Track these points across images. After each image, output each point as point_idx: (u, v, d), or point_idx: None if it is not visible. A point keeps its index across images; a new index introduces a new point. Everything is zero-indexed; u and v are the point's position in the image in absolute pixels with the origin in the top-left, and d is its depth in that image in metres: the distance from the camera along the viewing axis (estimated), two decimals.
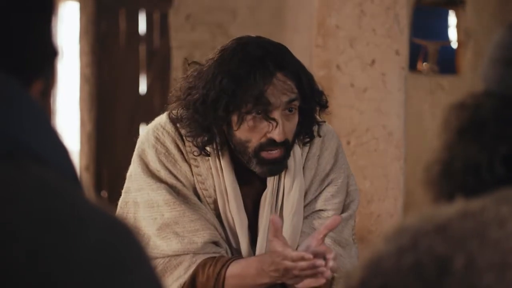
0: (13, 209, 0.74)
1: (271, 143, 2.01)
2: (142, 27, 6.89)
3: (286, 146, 2.04)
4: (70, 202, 0.78)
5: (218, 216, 2.12)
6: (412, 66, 6.06)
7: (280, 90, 1.99)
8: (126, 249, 0.78)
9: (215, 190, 2.11)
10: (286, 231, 2.11)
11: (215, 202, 2.12)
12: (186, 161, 2.10)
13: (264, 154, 2.02)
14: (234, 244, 2.13)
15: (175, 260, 2.08)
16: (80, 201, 0.79)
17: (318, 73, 3.63)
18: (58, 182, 0.79)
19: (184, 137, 2.10)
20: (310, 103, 2.06)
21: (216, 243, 2.10)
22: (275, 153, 2.02)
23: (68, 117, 6.60)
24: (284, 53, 2.04)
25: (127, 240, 0.79)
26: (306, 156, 2.18)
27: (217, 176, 2.10)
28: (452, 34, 6.71)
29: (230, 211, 2.10)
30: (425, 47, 6.48)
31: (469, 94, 0.95)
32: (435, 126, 6.44)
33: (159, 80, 6.75)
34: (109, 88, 6.77)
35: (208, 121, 2.02)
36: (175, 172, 2.09)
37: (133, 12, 6.90)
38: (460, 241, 0.79)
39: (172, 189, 2.08)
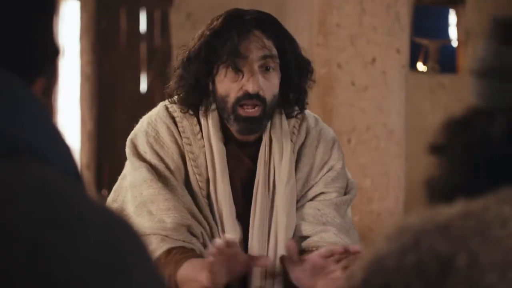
0: (13, 208, 0.74)
1: (246, 96, 2.08)
2: (142, 25, 6.89)
3: (263, 105, 2.09)
4: (71, 202, 0.78)
5: (208, 196, 2.16)
6: (413, 64, 6.06)
7: (255, 45, 2.08)
8: (126, 249, 0.78)
9: (206, 168, 2.15)
10: (281, 201, 2.15)
11: (206, 180, 2.16)
12: (176, 143, 2.16)
13: (241, 111, 2.09)
14: (219, 225, 2.14)
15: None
16: (80, 200, 0.79)
17: (319, 72, 3.63)
18: (58, 181, 0.79)
19: (176, 119, 2.18)
20: (291, 65, 2.13)
21: (189, 228, 2.10)
22: (251, 112, 2.09)
23: (69, 115, 6.60)
24: (268, 17, 2.15)
25: (127, 240, 0.79)
26: (303, 144, 2.23)
27: (208, 148, 2.15)
28: (453, 32, 6.71)
29: (216, 185, 2.14)
30: (426, 46, 6.48)
31: (459, 111, 0.96)
32: (435, 125, 6.42)
33: (160, 79, 6.75)
34: (110, 86, 6.77)
35: (192, 75, 2.12)
36: (161, 154, 2.15)
37: (134, 11, 6.90)
38: (462, 240, 0.79)
39: (153, 169, 2.14)
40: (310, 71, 2.18)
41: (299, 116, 2.25)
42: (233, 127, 2.13)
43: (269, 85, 2.10)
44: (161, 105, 2.24)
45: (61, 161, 0.82)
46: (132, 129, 2.25)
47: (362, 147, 3.65)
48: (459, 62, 6.52)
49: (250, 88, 2.06)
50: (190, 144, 2.17)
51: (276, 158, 2.18)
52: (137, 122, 2.27)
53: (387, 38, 3.71)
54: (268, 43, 2.09)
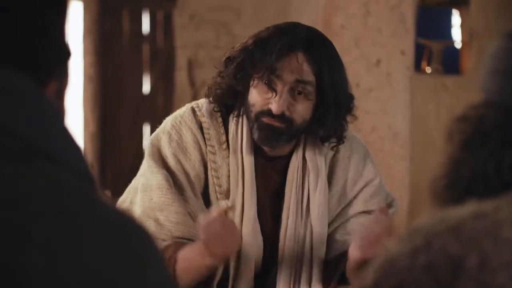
0: (27, 208, 0.75)
1: (269, 113, 2.03)
2: (145, 26, 6.89)
3: (287, 123, 2.03)
4: (84, 203, 0.78)
5: None
6: (417, 66, 6.06)
7: (291, 67, 2.02)
8: (139, 249, 0.79)
9: (228, 179, 2.11)
10: (315, 234, 2.13)
11: (225, 191, 2.11)
12: (200, 150, 2.11)
13: (265, 119, 2.04)
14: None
15: None
16: (93, 202, 0.79)
17: None
18: (71, 183, 0.79)
19: (203, 125, 2.12)
20: (329, 98, 2.05)
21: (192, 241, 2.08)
22: (274, 121, 2.03)
23: (72, 117, 6.60)
24: (320, 40, 2.07)
25: (140, 241, 0.80)
26: (335, 157, 2.18)
27: (238, 159, 2.11)
28: (456, 34, 6.71)
29: (243, 196, 2.10)
30: (429, 47, 6.47)
31: (470, 107, 0.96)
32: (439, 126, 6.45)
33: (163, 80, 6.75)
34: (113, 88, 6.77)
35: (230, 77, 2.07)
36: (183, 160, 2.10)
37: (137, 12, 6.90)
38: (473, 241, 0.79)
39: (171, 176, 2.09)
40: (350, 108, 2.10)
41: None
42: (255, 135, 2.07)
43: (298, 109, 2.04)
44: (187, 107, 2.17)
45: (74, 163, 0.82)
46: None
47: None
48: (462, 63, 6.52)
49: (274, 108, 2.01)
50: (214, 153, 2.11)
51: (312, 183, 2.14)
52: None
53: (392, 40, 3.71)
54: (307, 68, 2.02)
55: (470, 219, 0.82)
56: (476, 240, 0.79)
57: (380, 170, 2.31)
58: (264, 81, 2.03)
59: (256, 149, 2.12)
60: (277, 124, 2.03)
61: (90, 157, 6.62)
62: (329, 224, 2.17)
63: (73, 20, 6.64)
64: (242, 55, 2.05)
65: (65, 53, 0.88)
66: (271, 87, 2.02)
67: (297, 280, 2.12)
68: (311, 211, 2.13)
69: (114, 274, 0.75)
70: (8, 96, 0.79)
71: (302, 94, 2.03)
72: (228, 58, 2.08)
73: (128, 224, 0.80)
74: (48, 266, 0.72)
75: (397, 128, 3.77)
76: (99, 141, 6.71)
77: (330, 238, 2.17)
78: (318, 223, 2.13)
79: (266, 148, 2.11)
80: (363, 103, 3.70)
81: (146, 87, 6.79)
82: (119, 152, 6.61)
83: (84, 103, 6.65)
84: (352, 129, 2.30)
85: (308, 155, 2.14)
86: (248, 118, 2.09)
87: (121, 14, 6.87)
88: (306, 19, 4.18)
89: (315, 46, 2.04)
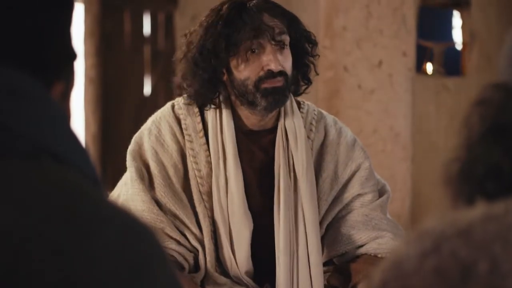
0: (34, 209, 0.75)
1: (269, 75, 2.11)
2: (147, 28, 6.89)
3: (285, 77, 2.13)
4: (91, 204, 0.78)
5: (207, 193, 2.18)
6: (418, 67, 6.06)
7: (270, 25, 2.11)
8: (146, 250, 0.79)
9: (205, 165, 2.19)
10: (305, 189, 2.17)
11: (204, 176, 2.19)
12: (177, 142, 2.21)
13: (266, 84, 2.12)
14: (219, 218, 2.16)
15: None
16: (100, 202, 0.79)
17: (325, 75, 3.63)
18: (78, 183, 0.79)
19: (180, 117, 2.22)
20: (300, 40, 2.19)
21: (163, 230, 2.14)
22: (276, 81, 2.11)
23: (73, 118, 6.60)
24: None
25: (147, 241, 0.80)
26: (323, 143, 2.26)
27: (218, 139, 2.17)
28: (457, 35, 6.71)
29: (226, 172, 2.17)
30: (431, 48, 6.47)
31: (487, 87, 0.94)
32: (441, 127, 6.45)
33: (164, 81, 6.75)
34: (114, 89, 6.78)
35: (209, 71, 2.14)
36: (160, 152, 2.20)
37: (138, 13, 6.90)
38: (483, 245, 0.79)
39: (145, 167, 2.20)
40: (314, 42, 2.23)
41: (312, 110, 2.28)
42: (261, 105, 2.14)
43: (286, 61, 2.14)
44: (168, 104, 2.28)
45: (80, 164, 0.82)
46: (136, 132, 2.30)
47: (368, 150, 3.64)
48: (464, 64, 6.52)
49: (274, 67, 2.10)
50: (191, 141, 2.20)
51: (292, 144, 2.20)
52: (141, 124, 2.32)
53: (394, 41, 3.71)
54: (278, 21, 2.13)
55: (480, 222, 0.81)
56: (486, 244, 0.79)
57: (382, 171, 2.33)
58: (251, 49, 2.11)
59: (237, 128, 2.19)
60: (279, 83, 2.12)
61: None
62: (328, 210, 2.24)
63: (74, 22, 6.63)
64: (219, 41, 2.11)
65: (71, 55, 0.88)
66: (261, 51, 2.11)
67: (295, 259, 2.17)
68: (296, 169, 2.19)
69: (121, 274, 0.75)
70: (16, 96, 0.79)
71: (285, 46, 2.14)
72: (200, 53, 2.13)
73: (134, 225, 0.80)
74: (56, 265, 0.72)
75: (398, 129, 3.77)
76: (100, 142, 6.71)
77: (335, 232, 2.23)
78: (304, 181, 2.18)
79: (252, 123, 2.19)
80: (364, 104, 3.71)
81: (147, 89, 6.79)
82: (120, 153, 6.60)
83: (85, 105, 6.65)
84: (353, 130, 2.34)
85: (287, 124, 2.21)
86: (242, 96, 2.15)
87: (122, 16, 6.87)
88: (307, 21, 4.18)
89: (267, 3, 2.16)
